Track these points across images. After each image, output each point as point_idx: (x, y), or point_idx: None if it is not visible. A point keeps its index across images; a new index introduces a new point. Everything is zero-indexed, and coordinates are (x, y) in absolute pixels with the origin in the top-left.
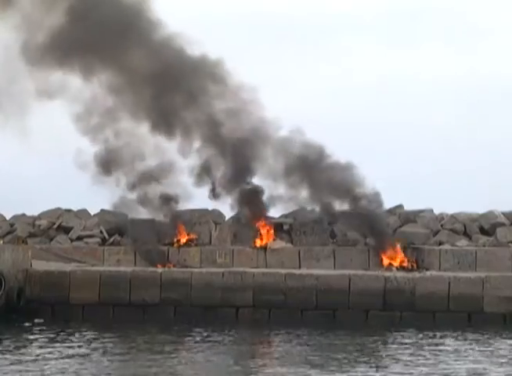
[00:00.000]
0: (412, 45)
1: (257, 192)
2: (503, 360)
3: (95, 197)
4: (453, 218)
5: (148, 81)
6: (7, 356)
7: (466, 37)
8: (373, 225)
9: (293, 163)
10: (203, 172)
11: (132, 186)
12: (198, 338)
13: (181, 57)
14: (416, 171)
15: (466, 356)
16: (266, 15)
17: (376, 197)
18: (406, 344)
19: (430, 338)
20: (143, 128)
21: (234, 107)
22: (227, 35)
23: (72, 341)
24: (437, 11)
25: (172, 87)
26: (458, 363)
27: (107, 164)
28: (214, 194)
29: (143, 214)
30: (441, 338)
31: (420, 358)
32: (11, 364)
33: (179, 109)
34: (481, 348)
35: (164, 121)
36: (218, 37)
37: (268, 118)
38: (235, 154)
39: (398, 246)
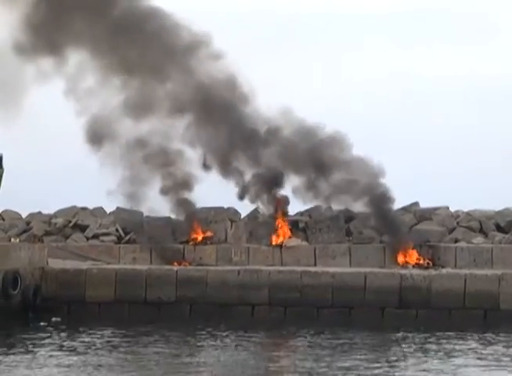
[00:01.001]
0: (422, 44)
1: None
2: None
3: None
4: (469, 215)
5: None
6: (21, 358)
7: (475, 37)
8: (390, 224)
9: (313, 158)
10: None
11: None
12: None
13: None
14: (431, 168)
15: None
16: (273, 13)
17: (389, 195)
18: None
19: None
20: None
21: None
22: (235, 32)
23: (86, 342)
24: (446, 11)
25: None
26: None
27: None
28: (206, 166)
29: (158, 211)
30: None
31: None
32: (24, 367)
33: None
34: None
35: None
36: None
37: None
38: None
39: (413, 244)
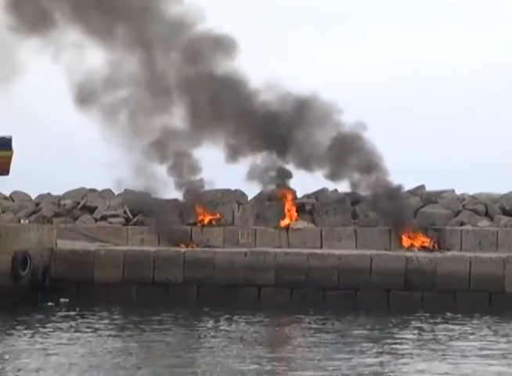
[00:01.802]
0: (429, 29)
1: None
2: None
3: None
4: (474, 198)
5: None
6: (28, 338)
7: (477, 23)
8: (395, 207)
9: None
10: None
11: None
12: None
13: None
14: (437, 152)
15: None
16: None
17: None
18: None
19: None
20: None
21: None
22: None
23: (94, 322)
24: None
25: None
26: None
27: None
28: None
29: (165, 192)
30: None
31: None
32: (35, 348)
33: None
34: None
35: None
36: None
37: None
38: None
39: (419, 227)
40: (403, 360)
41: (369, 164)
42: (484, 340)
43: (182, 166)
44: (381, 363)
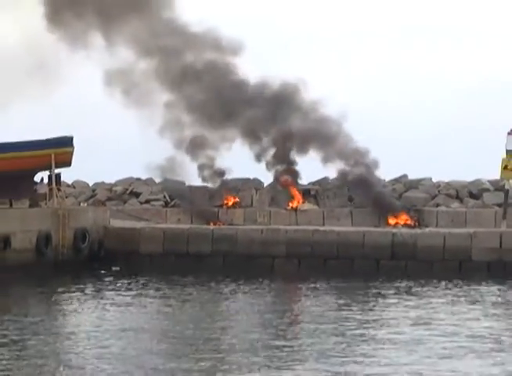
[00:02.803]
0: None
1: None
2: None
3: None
4: (448, 185)
5: None
6: (85, 299)
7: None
8: (377, 193)
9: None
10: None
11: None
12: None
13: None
14: (418, 147)
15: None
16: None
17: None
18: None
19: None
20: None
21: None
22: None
23: (139, 286)
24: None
25: None
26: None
27: None
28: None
29: (196, 181)
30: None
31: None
32: (92, 306)
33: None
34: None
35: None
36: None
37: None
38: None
39: (403, 208)
40: (387, 310)
41: (356, 156)
42: (450, 294)
43: (211, 159)
44: (370, 310)
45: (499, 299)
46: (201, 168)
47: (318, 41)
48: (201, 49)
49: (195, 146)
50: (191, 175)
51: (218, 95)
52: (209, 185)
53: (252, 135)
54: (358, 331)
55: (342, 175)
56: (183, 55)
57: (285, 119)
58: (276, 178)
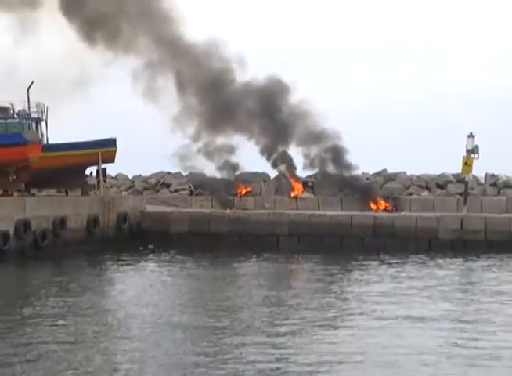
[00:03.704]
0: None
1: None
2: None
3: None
4: (419, 177)
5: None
6: (124, 269)
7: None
8: (356, 187)
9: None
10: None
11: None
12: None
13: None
14: (396, 146)
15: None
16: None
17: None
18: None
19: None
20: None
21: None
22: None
23: (169, 259)
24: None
25: None
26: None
27: None
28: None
29: (215, 173)
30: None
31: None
32: (132, 273)
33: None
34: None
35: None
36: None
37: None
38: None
39: (383, 196)
40: (366, 274)
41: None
42: (416, 265)
43: (227, 157)
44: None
45: (461, 267)
46: (218, 163)
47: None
48: (207, 65)
49: (211, 148)
50: (209, 168)
51: (219, 103)
52: (226, 177)
53: (249, 132)
54: (342, 289)
55: (324, 173)
56: (196, 69)
57: (272, 115)
58: (280, 173)
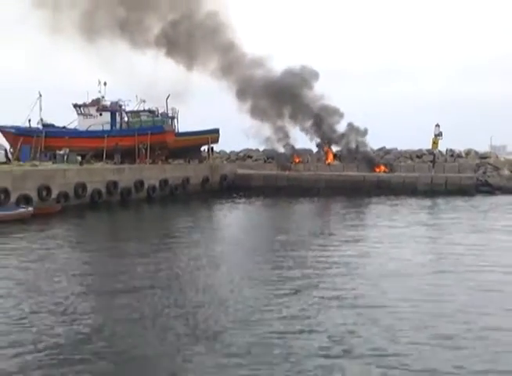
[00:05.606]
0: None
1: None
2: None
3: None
4: (405, 152)
5: None
6: (227, 207)
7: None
8: (366, 157)
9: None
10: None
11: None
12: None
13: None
14: (391, 133)
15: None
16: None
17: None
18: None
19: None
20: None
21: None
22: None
23: (252, 202)
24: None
25: None
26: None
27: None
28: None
29: (280, 148)
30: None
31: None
32: (229, 209)
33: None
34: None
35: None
36: None
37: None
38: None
39: (384, 163)
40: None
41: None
42: (404, 204)
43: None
44: (365, 209)
45: (429, 203)
46: (281, 142)
47: None
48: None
49: (278, 131)
50: (278, 145)
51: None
52: (286, 152)
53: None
54: (356, 221)
55: (347, 148)
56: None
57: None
58: (319, 147)
